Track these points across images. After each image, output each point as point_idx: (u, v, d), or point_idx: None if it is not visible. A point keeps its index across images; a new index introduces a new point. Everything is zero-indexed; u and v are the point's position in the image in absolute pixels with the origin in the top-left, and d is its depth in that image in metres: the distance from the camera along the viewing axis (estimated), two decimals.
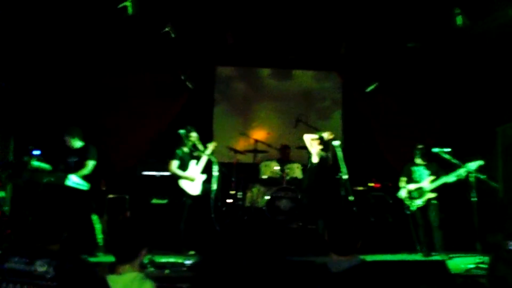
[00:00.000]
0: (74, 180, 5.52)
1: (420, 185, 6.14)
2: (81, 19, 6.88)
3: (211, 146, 6.43)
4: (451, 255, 5.70)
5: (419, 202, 6.13)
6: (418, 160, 6.28)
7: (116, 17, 6.58)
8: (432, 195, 6.04)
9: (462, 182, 5.68)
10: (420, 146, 6.28)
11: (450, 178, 5.81)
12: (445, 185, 5.97)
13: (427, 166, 6.19)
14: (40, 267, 2.37)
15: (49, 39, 7.06)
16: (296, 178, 7.29)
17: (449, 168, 5.84)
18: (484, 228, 5.37)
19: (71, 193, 5.51)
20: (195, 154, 6.27)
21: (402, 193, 6.34)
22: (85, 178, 5.65)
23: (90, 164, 5.69)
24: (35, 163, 5.59)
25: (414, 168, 6.31)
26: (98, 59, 7.70)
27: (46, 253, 2.45)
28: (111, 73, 7.91)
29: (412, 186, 6.22)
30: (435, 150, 5.69)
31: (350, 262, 2.41)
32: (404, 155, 6.91)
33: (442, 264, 4.07)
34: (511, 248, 5.15)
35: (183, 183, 6.08)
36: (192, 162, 6.23)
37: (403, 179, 6.40)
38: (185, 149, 6.21)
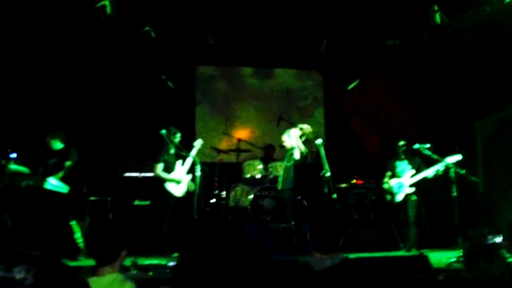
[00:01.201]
0: (53, 183, 5.43)
1: (401, 180, 6.21)
2: (59, 19, 6.78)
3: (197, 145, 6.36)
4: (427, 251, 5.75)
5: (399, 197, 6.19)
6: (401, 156, 6.35)
7: (95, 17, 6.49)
8: (411, 190, 6.11)
9: (443, 177, 5.76)
10: (401, 143, 6.35)
11: (429, 173, 5.88)
12: (427, 180, 6.04)
13: (410, 161, 6.26)
14: (19, 274, 2.33)
15: (26, 40, 6.94)
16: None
17: (431, 163, 5.91)
18: (465, 223, 5.45)
19: (51, 196, 5.42)
20: (181, 154, 6.20)
21: (385, 188, 6.42)
22: (65, 180, 5.56)
23: (67, 165, 5.61)
24: (13, 167, 5.50)
25: (397, 163, 6.39)
26: (76, 59, 7.59)
27: (25, 258, 2.40)
28: (90, 74, 7.79)
29: (394, 181, 6.29)
30: (416, 146, 5.76)
31: (333, 260, 2.41)
32: (388, 151, 6.98)
33: (424, 259, 4.11)
34: (491, 242, 5.26)
35: (169, 186, 5.99)
36: (178, 163, 6.16)
37: (388, 174, 6.46)
38: (171, 151, 6.13)
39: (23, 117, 7.14)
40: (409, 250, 6.02)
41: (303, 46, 8.39)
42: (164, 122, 6.70)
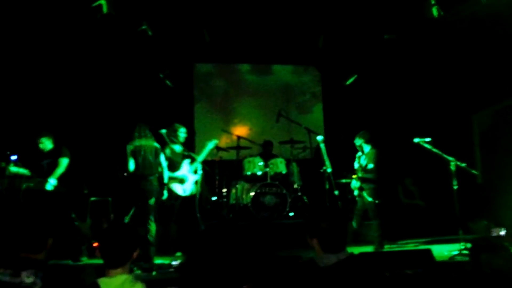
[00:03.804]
0: (53, 184, 5.43)
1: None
2: (54, 20, 6.75)
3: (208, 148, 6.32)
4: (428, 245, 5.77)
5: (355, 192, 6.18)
6: (360, 150, 6.28)
7: (91, 17, 6.46)
8: (357, 184, 6.03)
9: (443, 171, 5.73)
10: (357, 139, 6.25)
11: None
12: (426, 173, 6.03)
13: (366, 155, 6.16)
14: (27, 278, 2.32)
15: (23, 42, 6.90)
16: (280, 173, 7.29)
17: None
18: (466, 215, 5.46)
19: (52, 197, 5.40)
20: (186, 153, 6.16)
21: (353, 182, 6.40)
22: (63, 180, 5.54)
23: (64, 162, 5.60)
24: (13, 169, 5.47)
25: (358, 157, 6.34)
26: (73, 60, 7.55)
27: (31, 263, 2.39)
28: (87, 74, 7.76)
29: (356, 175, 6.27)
30: (416, 140, 5.71)
31: (338, 256, 2.41)
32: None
33: (427, 252, 4.12)
34: (495, 235, 5.26)
35: (172, 185, 5.90)
36: (185, 162, 6.12)
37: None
38: (177, 148, 6.08)
39: (22, 118, 7.11)
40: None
41: (300, 42, 8.38)
42: (163, 120, 6.67)
